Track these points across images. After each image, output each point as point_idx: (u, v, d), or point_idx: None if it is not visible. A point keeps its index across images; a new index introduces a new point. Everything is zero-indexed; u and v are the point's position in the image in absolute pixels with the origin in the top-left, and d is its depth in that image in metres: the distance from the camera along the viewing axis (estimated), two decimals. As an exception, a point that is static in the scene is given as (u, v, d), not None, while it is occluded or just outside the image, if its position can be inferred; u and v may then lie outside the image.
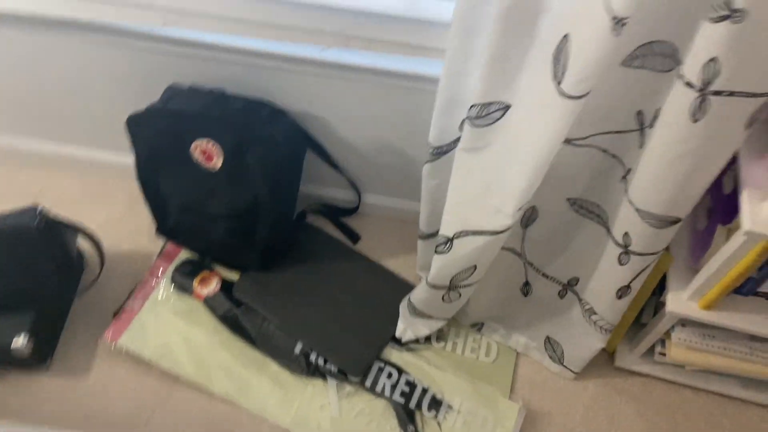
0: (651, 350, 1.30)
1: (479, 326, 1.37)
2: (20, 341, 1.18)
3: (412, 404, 1.27)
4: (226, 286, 1.38)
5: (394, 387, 1.29)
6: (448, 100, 0.99)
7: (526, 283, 1.27)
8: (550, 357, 1.33)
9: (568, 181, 1.05)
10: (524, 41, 0.86)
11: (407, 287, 1.42)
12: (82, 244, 1.39)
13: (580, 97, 0.82)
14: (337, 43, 1.09)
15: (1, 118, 1.49)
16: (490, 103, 0.93)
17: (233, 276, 1.40)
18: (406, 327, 1.33)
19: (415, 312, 1.30)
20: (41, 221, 1.19)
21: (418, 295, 1.27)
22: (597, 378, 1.33)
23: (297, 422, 1.24)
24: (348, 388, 1.29)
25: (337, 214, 1.56)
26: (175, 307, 1.35)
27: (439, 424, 1.26)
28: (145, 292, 1.36)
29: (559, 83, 0.82)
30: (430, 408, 1.27)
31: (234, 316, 1.33)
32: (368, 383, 1.29)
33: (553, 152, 0.90)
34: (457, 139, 1.05)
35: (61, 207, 1.31)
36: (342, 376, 1.29)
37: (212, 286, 1.36)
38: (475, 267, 1.12)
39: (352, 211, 1.56)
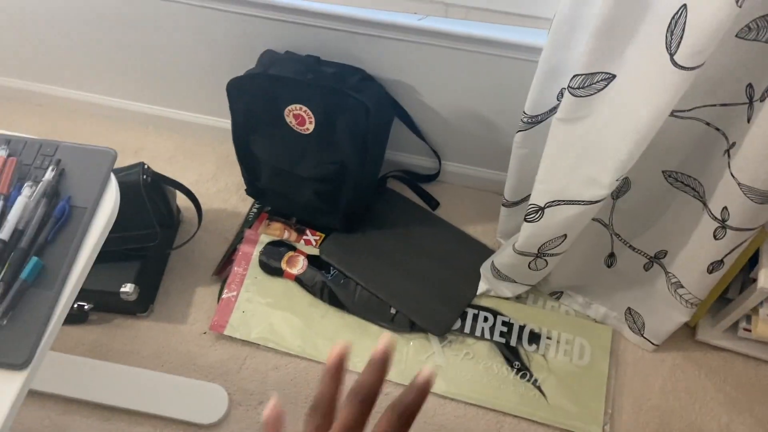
0: (735, 325, 1.29)
1: (558, 295, 1.39)
2: (128, 287, 1.27)
3: (513, 341, 1.34)
4: (312, 261, 1.43)
5: (492, 329, 1.36)
6: (549, 69, 1.00)
7: (611, 255, 1.28)
8: (630, 328, 1.33)
9: (666, 153, 1.05)
10: (637, 11, 0.85)
11: (486, 251, 1.45)
12: (179, 200, 1.46)
13: (693, 68, 0.81)
14: (435, 11, 1.10)
15: (103, 81, 1.57)
16: (594, 74, 0.93)
17: (315, 251, 1.45)
18: (489, 288, 1.37)
19: (499, 275, 1.33)
20: (148, 177, 1.26)
21: (503, 259, 1.30)
22: (677, 351, 1.34)
23: (408, 375, 1.30)
24: (449, 336, 1.35)
25: (417, 180, 1.59)
26: (270, 291, 1.40)
27: (543, 356, 1.32)
28: (238, 281, 1.42)
29: (672, 54, 0.82)
30: (530, 342, 1.34)
31: (328, 288, 1.39)
32: (467, 329, 1.36)
33: (658, 124, 0.89)
34: (553, 109, 1.06)
35: (157, 165, 1.38)
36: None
37: (300, 264, 1.42)
38: (565, 236, 1.13)
39: (432, 177, 1.58)
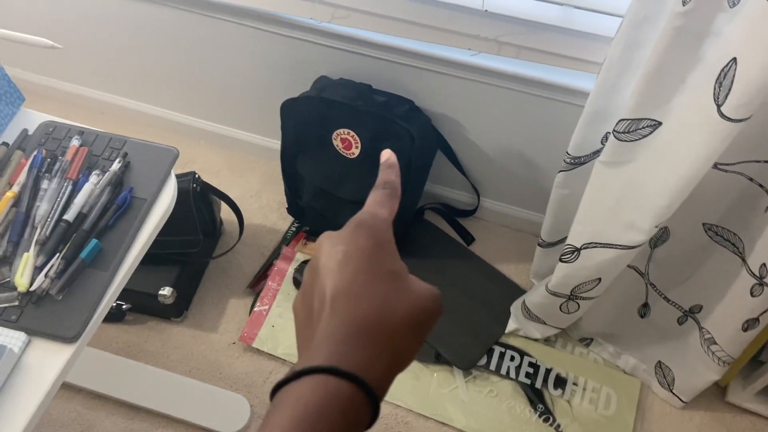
0: (766, 389, 1.26)
1: (588, 341, 1.38)
2: (166, 291, 1.31)
3: (538, 384, 1.33)
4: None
5: (518, 369, 1.35)
6: (595, 112, 1.02)
7: (645, 305, 1.27)
8: (660, 382, 1.31)
9: (707, 205, 1.05)
10: (686, 61, 0.87)
11: (518, 290, 1.45)
12: (222, 212, 1.51)
13: (740, 121, 0.83)
14: (488, 48, 1.14)
15: (163, 94, 1.66)
16: (640, 119, 0.95)
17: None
18: (518, 327, 1.36)
19: (530, 315, 1.33)
20: (197, 186, 1.31)
21: (535, 299, 1.30)
22: (705, 410, 1.31)
23: (430, 406, 1.31)
24: (474, 372, 1.34)
25: (454, 214, 1.61)
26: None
27: (568, 402, 1.30)
28: (271, 295, 1.45)
29: (719, 106, 0.83)
30: (556, 386, 1.33)
31: None
32: (493, 366, 1.35)
33: (701, 173, 0.91)
34: (597, 152, 1.08)
35: (205, 177, 1.43)
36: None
37: None
38: (599, 280, 1.14)
39: (470, 213, 1.60)
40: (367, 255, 0.38)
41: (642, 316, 1.30)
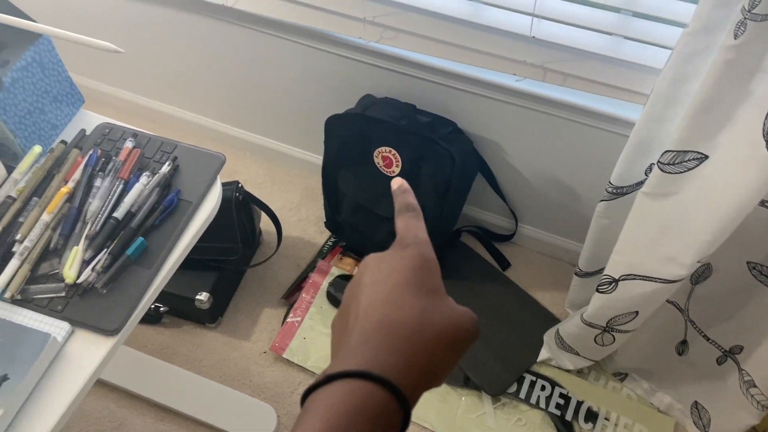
0: (811, 441, 1.21)
1: (622, 376, 1.35)
2: (203, 296, 1.34)
3: (569, 416, 1.30)
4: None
5: (548, 399, 1.32)
6: (640, 142, 1.01)
7: (684, 342, 1.24)
8: (695, 423, 1.27)
9: (752, 243, 1.02)
10: (735, 95, 0.86)
11: (552, 319, 1.43)
12: (262, 223, 1.54)
13: (790, 158, 0.81)
14: (534, 74, 1.15)
15: (212, 106, 1.71)
16: (686, 152, 0.94)
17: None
18: (550, 357, 1.34)
19: (563, 345, 1.31)
20: (240, 195, 1.35)
21: (569, 329, 1.28)
22: (743, 457, 1.26)
23: (456, 430, 1.29)
24: (503, 399, 1.32)
25: (491, 238, 1.60)
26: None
27: None
28: (304, 307, 1.46)
29: (769, 141, 0.82)
30: (587, 420, 1.30)
31: None
32: (522, 395, 1.33)
33: (747, 209, 0.89)
34: (640, 182, 1.06)
35: (247, 187, 1.46)
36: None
37: None
38: (636, 313, 1.11)
39: (507, 238, 1.59)
40: (411, 272, 0.38)
41: (680, 354, 1.26)
